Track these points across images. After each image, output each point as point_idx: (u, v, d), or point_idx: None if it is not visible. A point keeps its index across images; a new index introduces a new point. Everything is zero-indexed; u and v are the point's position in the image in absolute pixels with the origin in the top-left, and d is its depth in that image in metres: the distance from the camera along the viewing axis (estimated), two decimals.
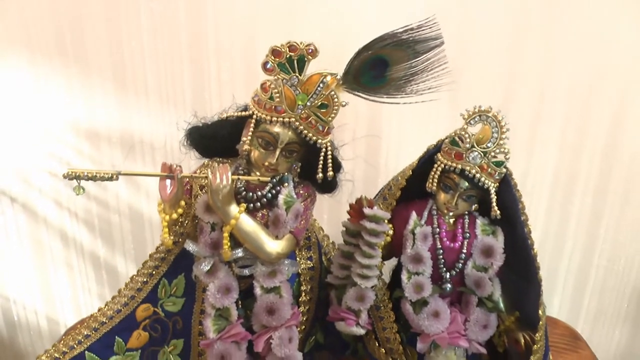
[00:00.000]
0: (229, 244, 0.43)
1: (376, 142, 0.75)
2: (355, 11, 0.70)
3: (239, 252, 0.44)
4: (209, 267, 0.44)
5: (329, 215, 0.71)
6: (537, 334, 0.46)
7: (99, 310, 0.49)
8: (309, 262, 0.49)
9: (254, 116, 0.43)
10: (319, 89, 0.42)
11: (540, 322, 0.45)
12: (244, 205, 0.44)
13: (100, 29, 0.78)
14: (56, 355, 0.48)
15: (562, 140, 0.75)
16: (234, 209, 0.43)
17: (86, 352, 0.50)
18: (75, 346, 0.48)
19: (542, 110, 0.75)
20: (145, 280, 0.48)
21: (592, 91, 0.73)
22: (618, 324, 0.84)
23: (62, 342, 0.49)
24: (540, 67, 0.73)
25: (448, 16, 0.50)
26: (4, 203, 0.90)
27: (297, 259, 0.48)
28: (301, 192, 0.46)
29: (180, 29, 0.77)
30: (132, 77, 0.80)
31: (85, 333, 0.48)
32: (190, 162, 0.50)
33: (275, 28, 0.70)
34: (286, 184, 0.45)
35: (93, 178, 0.42)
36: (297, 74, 0.41)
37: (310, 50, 0.41)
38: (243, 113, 0.45)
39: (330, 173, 0.45)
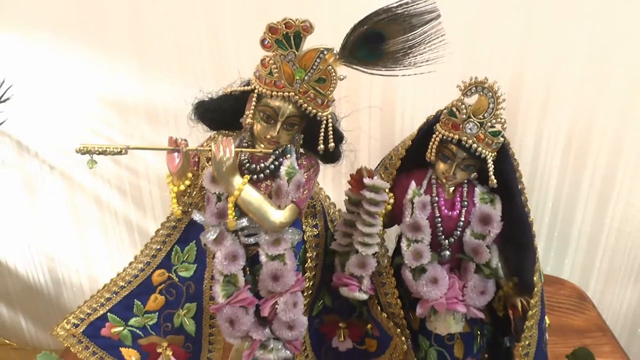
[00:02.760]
0: (233, 213, 0.46)
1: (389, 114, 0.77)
2: None
3: (244, 222, 0.46)
4: (215, 236, 0.46)
5: (332, 185, 0.73)
6: (532, 300, 0.47)
7: (117, 275, 0.52)
8: (314, 229, 0.51)
9: (256, 91, 0.45)
10: (316, 63, 0.43)
11: (536, 289, 0.47)
12: (247, 176, 0.46)
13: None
14: (81, 316, 0.53)
15: (576, 101, 0.75)
16: (237, 180, 0.45)
17: (108, 313, 0.54)
18: (98, 308, 0.52)
19: (557, 71, 0.74)
20: (159, 247, 0.51)
21: (608, 55, 0.71)
22: (629, 285, 0.85)
23: (86, 304, 0.53)
24: (556, 30, 0.71)
25: None
26: (44, 171, 0.96)
27: (303, 227, 0.50)
28: (304, 162, 0.48)
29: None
30: (152, 50, 0.82)
31: (107, 296, 0.52)
32: (198, 134, 0.52)
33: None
34: (288, 156, 0.46)
35: (103, 152, 0.44)
36: (294, 50, 0.42)
37: (305, 27, 0.42)
38: (245, 88, 0.46)
39: (332, 145, 0.46)
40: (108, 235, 1.01)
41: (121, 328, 0.54)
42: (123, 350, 0.55)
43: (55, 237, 1.02)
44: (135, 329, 0.53)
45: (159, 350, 0.53)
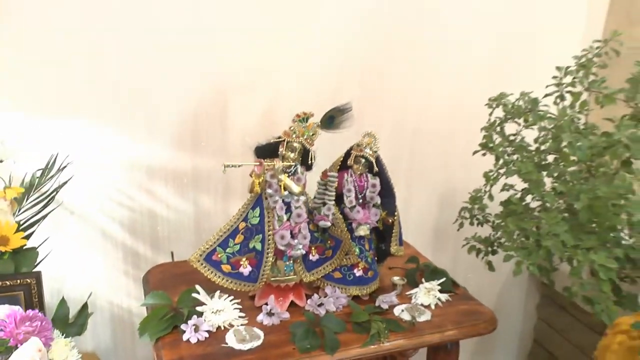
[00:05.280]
0: (283, 189, 1.09)
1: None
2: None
3: (285, 192, 1.10)
4: (275, 199, 1.09)
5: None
6: (395, 217, 1.19)
7: (221, 227, 1.09)
8: (305, 198, 1.16)
9: (285, 140, 1.10)
10: (312, 128, 1.10)
11: (396, 213, 1.19)
12: (286, 174, 1.10)
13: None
14: (203, 250, 1.07)
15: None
16: (282, 176, 1.09)
17: (217, 247, 1.10)
18: (212, 244, 1.08)
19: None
20: (243, 210, 1.09)
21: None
22: None
23: (206, 243, 1.08)
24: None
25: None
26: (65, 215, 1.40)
27: (304, 197, 1.14)
28: (301, 168, 1.13)
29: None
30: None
31: (217, 237, 1.09)
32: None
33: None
34: (298, 166, 1.12)
35: (232, 167, 1.05)
36: (305, 123, 1.10)
37: (311, 114, 1.09)
38: (278, 139, 1.11)
39: (312, 162, 1.13)
40: (107, 258, 1.47)
41: (222, 254, 1.10)
42: (223, 266, 1.10)
43: (67, 264, 1.43)
44: (228, 254, 1.10)
45: (241, 262, 1.11)
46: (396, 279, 1.24)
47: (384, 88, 1.50)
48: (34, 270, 1.14)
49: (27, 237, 1.17)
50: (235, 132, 1.42)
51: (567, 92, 1.02)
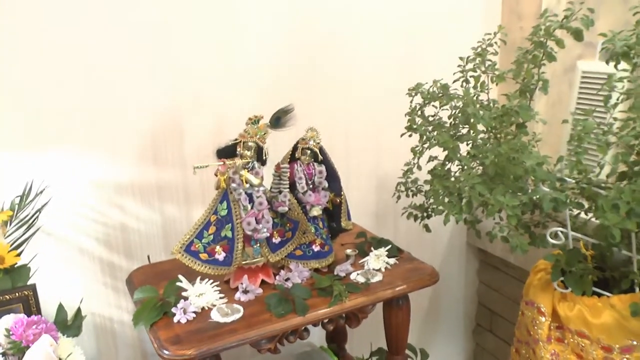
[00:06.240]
0: (245, 182, 1.27)
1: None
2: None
3: (247, 185, 1.28)
4: (239, 191, 1.26)
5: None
6: (341, 198, 1.39)
7: (197, 221, 1.26)
8: (264, 189, 1.34)
9: (241, 141, 1.28)
10: (264, 128, 1.29)
11: (342, 194, 1.39)
12: (246, 169, 1.28)
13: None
14: (182, 242, 1.23)
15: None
16: (242, 172, 1.27)
17: (194, 238, 1.25)
18: (189, 237, 1.24)
19: None
20: (213, 205, 1.26)
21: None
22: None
23: (184, 237, 1.24)
24: None
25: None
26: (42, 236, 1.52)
27: (263, 188, 1.32)
28: (257, 164, 1.31)
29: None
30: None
31: (193, 230, 1.25)
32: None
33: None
34: (254, 162, 1.30)
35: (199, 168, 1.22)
36: (257, 124, 1.28)
37: (260, 117, 1.28)
38: (235, 141, 1.29)
39: (265, 157, 1.32)
40: (85, 272, 1.60)
41: (199, 244, 1.26)
42: (200, 254, 1.26)
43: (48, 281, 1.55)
44: (204, 243, 1.26)
45: (216, 250, 1.27)
46: (349, 251, 1.43)
47: (317, 92, 1.71)
48: (30, 283, 1.26)
49: (19, 255, 1.29)
50: (192, 143, 1.59)
51: (470, 76, 1.25)
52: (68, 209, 1.51)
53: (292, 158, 1.35)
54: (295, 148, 1.34)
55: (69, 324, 1.27)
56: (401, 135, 1.38)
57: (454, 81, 1.29)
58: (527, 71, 1.13)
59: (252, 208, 1.27)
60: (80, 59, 1.42)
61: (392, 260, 1.40)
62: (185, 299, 1.22)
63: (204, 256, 1.25)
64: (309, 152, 1.33)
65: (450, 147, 1.13)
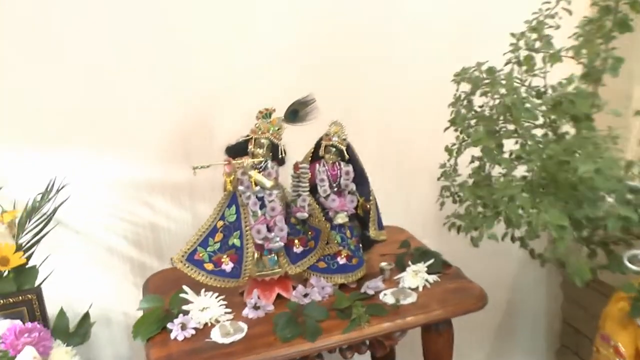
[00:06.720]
0: (255, 185, 1.12)
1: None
2: None
3: (257, 187, 1.13)
4: (248, 195, 1.12)
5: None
6: (370, 203, 1.20)
7: (201, 227, 1.13)
8: (279, 192, 1.18)
9: (252, 137, 1.13)
10: (277, 123, 1.13)
11: (371, 199, 1.20)
12: (256, 170, 1.13)
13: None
14: (185, 250, 1.11)
15: None
16: (252, 172, 1.12)
17: (197, 247, 1.13)
18: (192, 244, 1.12)
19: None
20: (219, 209, 1.13)
21: None
22: None
23: (187, 245, 1.12)
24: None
25: None
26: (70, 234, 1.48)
27: (277, 191, 1.17)
28: (272, 163, 1.16)
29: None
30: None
31: (196, 237, 1.12)
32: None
33: None
34: (268, 161, 1.15)
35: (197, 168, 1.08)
36: (269, 118, 1.13)
37: (272, 110, 1.12)
38: (247, 137, 1.14)
39: (282, 156, 1.16)
40: (116, 272, 1.54)
41: (204, 253, 1.14)
42: (205, 264, 1.14)
43: (75, 280, 1.51)
44: (210, 252, 1.14)
45: (222, 260, 1.14)
46: (384, 264, 1.24)
47: (359, 79, 1.52)
48: (36, 286, 1.20)
49: (29, 257, 1.24)
50: (222, 138, 1.46)
51: (524, 57, 1.01)
52: (96, 208, 1.45)
53: (315, 157, 1.17)
54: (318, 145, 1.17)
55: (72, 331, 1.19)
56: (444, 130, 1.16)
57: (506, 63, 1.05)
58: (591, 46, 0.87)
59: (263, 214, 1.12)
60: (107, 53, 1.35)
61: (432, 278, 1.19)
62: (187, 313, 1.10)
63: (209, 266, 1.12)
64: (333, 149, 1.15)
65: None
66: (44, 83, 1.33)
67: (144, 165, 1.44)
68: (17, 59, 1.30)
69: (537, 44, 0.97)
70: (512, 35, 1.03)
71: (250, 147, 1.11)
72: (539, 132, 0.99)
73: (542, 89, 0.99)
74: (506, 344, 1.95)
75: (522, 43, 1.02)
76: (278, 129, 1.11)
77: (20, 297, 1.16)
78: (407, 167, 1.63)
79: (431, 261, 1.22)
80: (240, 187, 1.11)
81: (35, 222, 1.31)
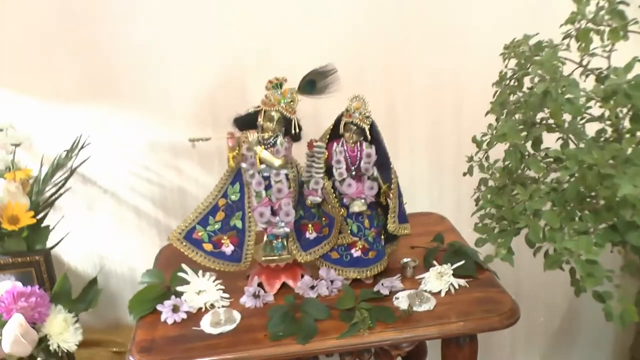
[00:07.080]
0: (259, 163, 1.01)
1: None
2: None
3: (263, 166, 1.01)
4: (252, 173, 1.01)
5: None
6: (392, 190, 1.05)
7: (201, 204, 1.04)
8: (292, 171, 1.06)
9: (262, 109, 1.01)
10: (288, 95, 1.00)
11: (393, 184, 1.04)
12: (263, 146, 1.01)
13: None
14: (183, 227, 1.03)
15: None
16: (258, 148, 1.01)
17: (196, 225, 1.05)
18: (191, 222, 1.04)
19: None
20: (222, 186, 1.03)
21: None
22: None
23: (184, 222, 1.04)
24: None
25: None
26: (99, 194, 1.46)
27: (286, 170, 1.05)
28: (285, 139, 1.03)
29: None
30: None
31: (196, 215, 1.04)
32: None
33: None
34: (279, 136, 1.02)
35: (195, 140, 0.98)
36: (280, 89, 1.00)
37: (284, 79, 0.99)
38: (257, 108, 1.03)
39: (297, 131, 1.03)
40: (143, 234, 1.51)
41: (203, 232, 1.06)
42: (204, 244, 1.06)
43: (104, 241, 1.51)
44: (209, 232, 1.05)
45: (222, 241, 1.06)
46: (407, 260, 1.09)
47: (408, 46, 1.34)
48: (46, 248, 1.18)
49: (44, 217, 1.22)
50: (254, 103, 1.35)
51: (581, 30, 0.80)
52: (124, 169, 1.42)
53: (334, 135, 1.03)
54: (338, 122, 1.03)
55: (75, 297, 1.16)
56: (486, 114, 0.98)
57: (564, 37, 0.85)
58: None
59: (268, 196, 1.01)
60: (137, 12, 1.30)
61: (459, 282, 1.03)
62: (181, 294, 1.03)
63: (207, 247, 1.03)
64: (354, 128, 1.00)
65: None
66: (73, 41, 1.30)
67: (172, 128, 1.39)
68: (49, 13, 1.28)
69: (602, 14, 0.76)
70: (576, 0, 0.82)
71: (260, 119, 0.99)
72: (595, 127, 0.79)
73: (604, 73, 0.78)
74: (562, 351, 1.74)
75: (588, 10, 0.81)
76: (290, 102, 0.98)
77: (28, 258, 1.14)
78: (461, 150, 1.44)
79: (461, 262, 1.06)
80: (244, 165, 0.99)
81: (56, 179, 1.29)
